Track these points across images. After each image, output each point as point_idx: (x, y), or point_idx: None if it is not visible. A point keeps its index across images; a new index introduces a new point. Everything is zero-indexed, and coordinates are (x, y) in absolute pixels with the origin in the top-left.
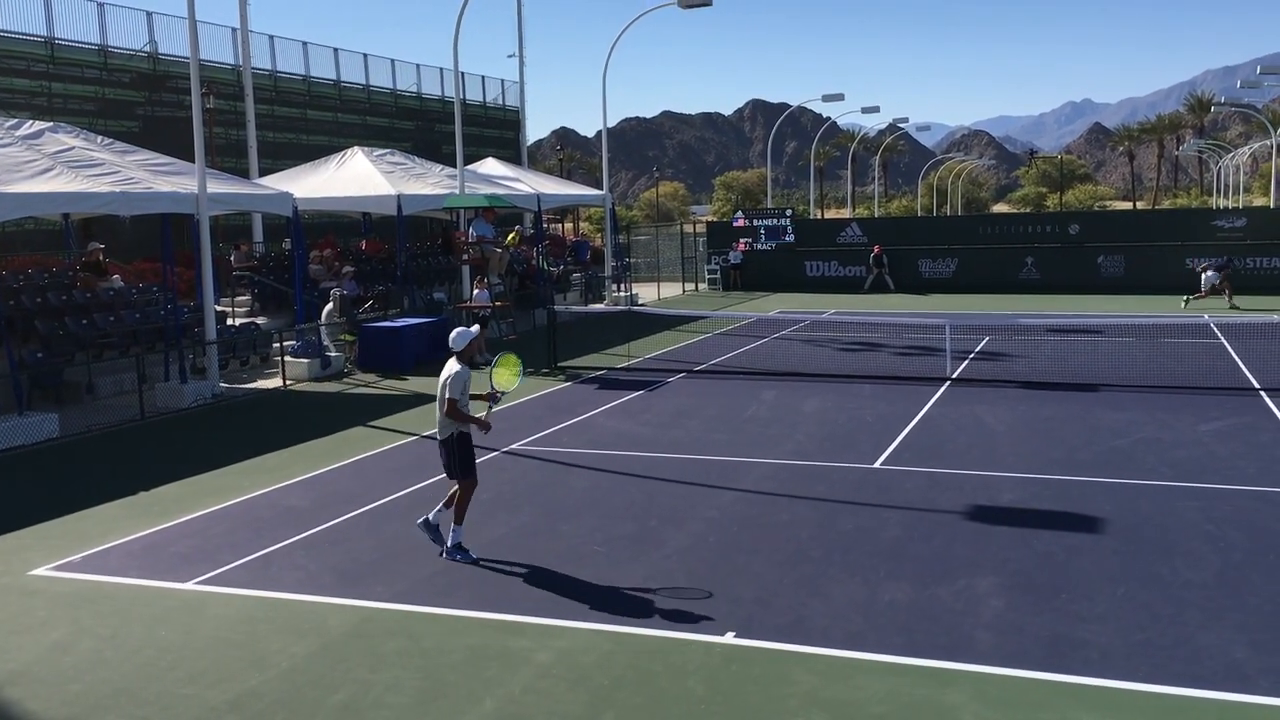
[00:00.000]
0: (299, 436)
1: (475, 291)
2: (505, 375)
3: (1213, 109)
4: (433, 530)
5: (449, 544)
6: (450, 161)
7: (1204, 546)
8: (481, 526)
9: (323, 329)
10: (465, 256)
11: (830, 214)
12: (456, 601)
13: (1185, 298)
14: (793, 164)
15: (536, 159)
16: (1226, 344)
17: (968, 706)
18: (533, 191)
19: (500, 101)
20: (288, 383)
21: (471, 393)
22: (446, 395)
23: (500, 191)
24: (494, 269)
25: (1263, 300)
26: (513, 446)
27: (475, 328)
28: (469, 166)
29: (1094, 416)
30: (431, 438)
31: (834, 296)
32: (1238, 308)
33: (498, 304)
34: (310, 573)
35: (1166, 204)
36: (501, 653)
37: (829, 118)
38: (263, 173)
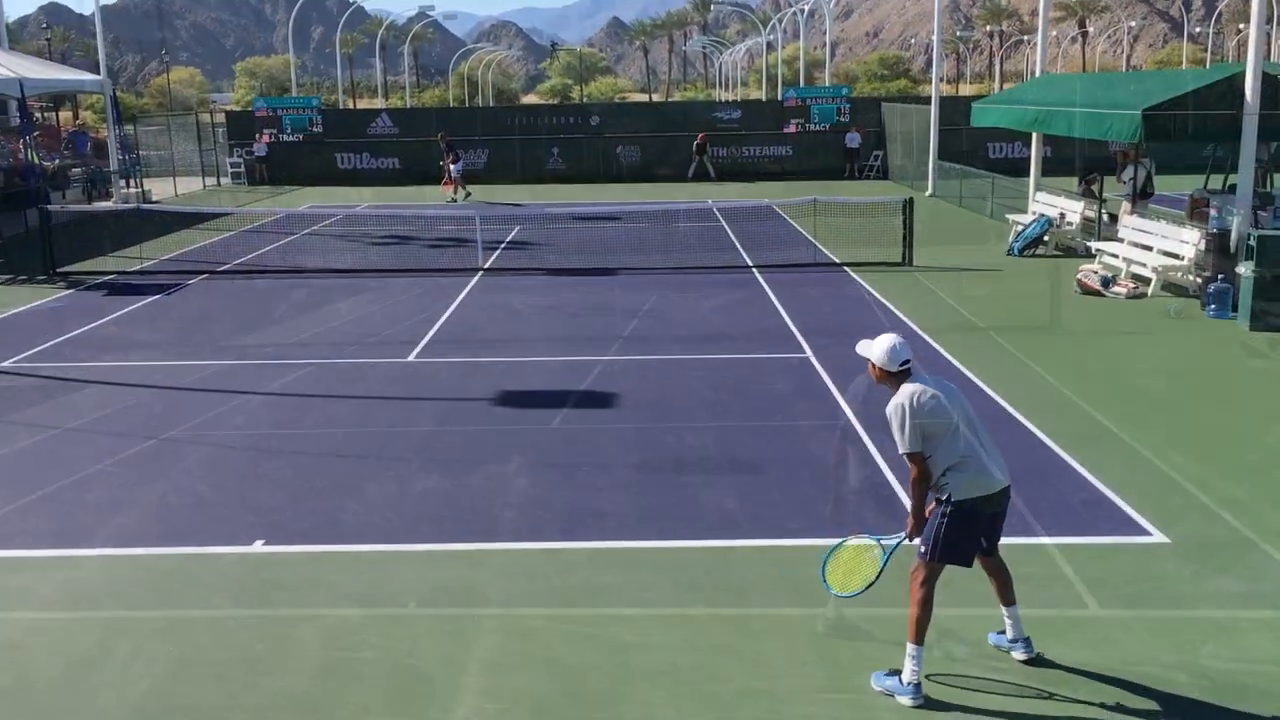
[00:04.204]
0: None
1: None
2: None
3: (713, 7)
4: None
5: (908, 680)
6: None
7: (704, 412)
8: None
9: None
10: None
11: (363, 104)
12: None
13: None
14: (320, 51)
15: (20, 39)
16: (726, 226)
17: (493, 582)
18: (14, 75)
19: None
20: None
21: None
22: (904, 446)
23: None
24: None
25: (763, 187)
26: (3, 365)
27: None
28: None
29: (614, 299)
30: None
31: (367, 189)
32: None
33: None
34: None
35: (678, 96)
36: None
37: (354, 2)
38: None
